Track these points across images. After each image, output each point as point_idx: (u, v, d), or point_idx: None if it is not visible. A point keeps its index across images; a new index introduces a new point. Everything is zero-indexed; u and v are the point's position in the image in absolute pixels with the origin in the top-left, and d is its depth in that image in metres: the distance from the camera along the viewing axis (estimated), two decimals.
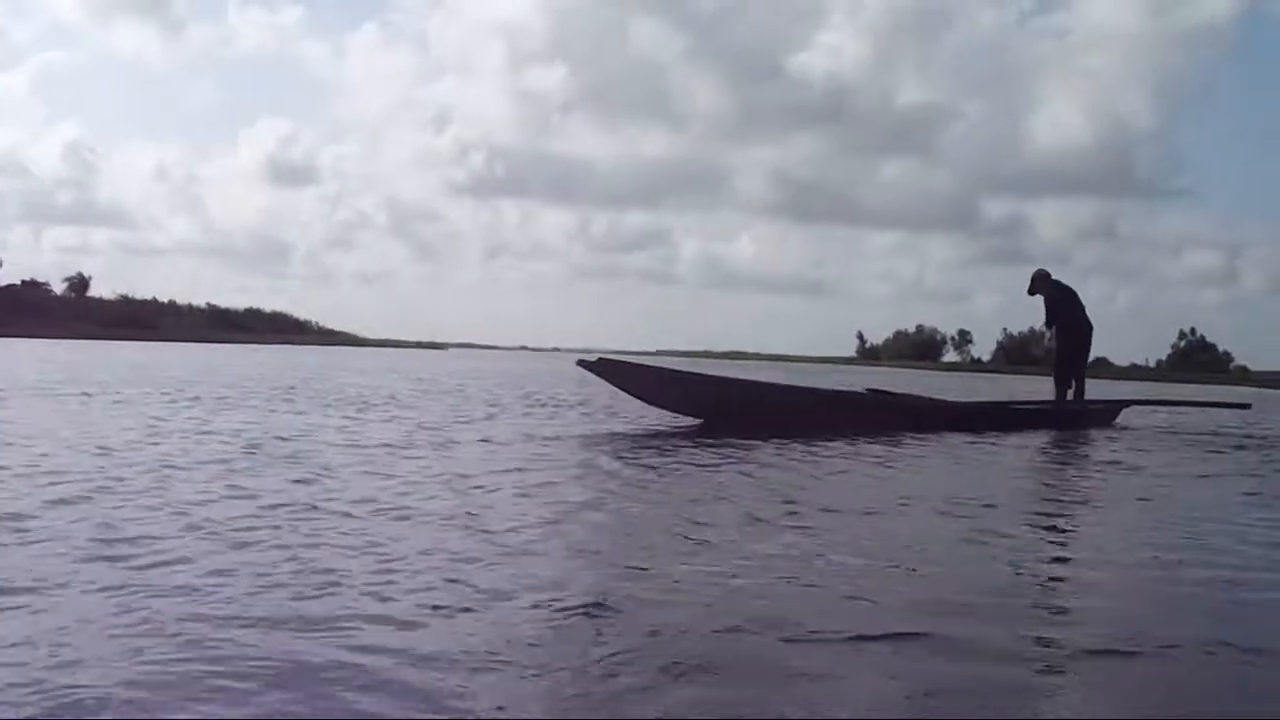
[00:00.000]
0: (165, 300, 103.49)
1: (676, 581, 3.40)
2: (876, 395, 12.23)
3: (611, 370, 10.95)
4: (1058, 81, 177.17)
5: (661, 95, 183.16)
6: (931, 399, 13.13)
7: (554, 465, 6.57)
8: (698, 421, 10.58)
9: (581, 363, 11.01)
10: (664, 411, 11.09)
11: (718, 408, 10.72)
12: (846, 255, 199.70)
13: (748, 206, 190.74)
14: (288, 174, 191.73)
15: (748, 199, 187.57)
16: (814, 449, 8.25)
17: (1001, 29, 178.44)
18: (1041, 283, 13.44)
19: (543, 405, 13.23)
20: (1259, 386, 53.50)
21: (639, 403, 11.41)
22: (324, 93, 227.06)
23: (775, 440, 8.61)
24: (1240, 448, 10.48)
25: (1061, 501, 5.84)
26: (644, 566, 3.65)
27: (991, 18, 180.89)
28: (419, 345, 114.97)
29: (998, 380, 45.40)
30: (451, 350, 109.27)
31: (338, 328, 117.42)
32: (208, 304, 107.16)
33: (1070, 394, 13.45)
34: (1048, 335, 13.56)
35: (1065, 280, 13.58)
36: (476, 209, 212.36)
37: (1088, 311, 13.67)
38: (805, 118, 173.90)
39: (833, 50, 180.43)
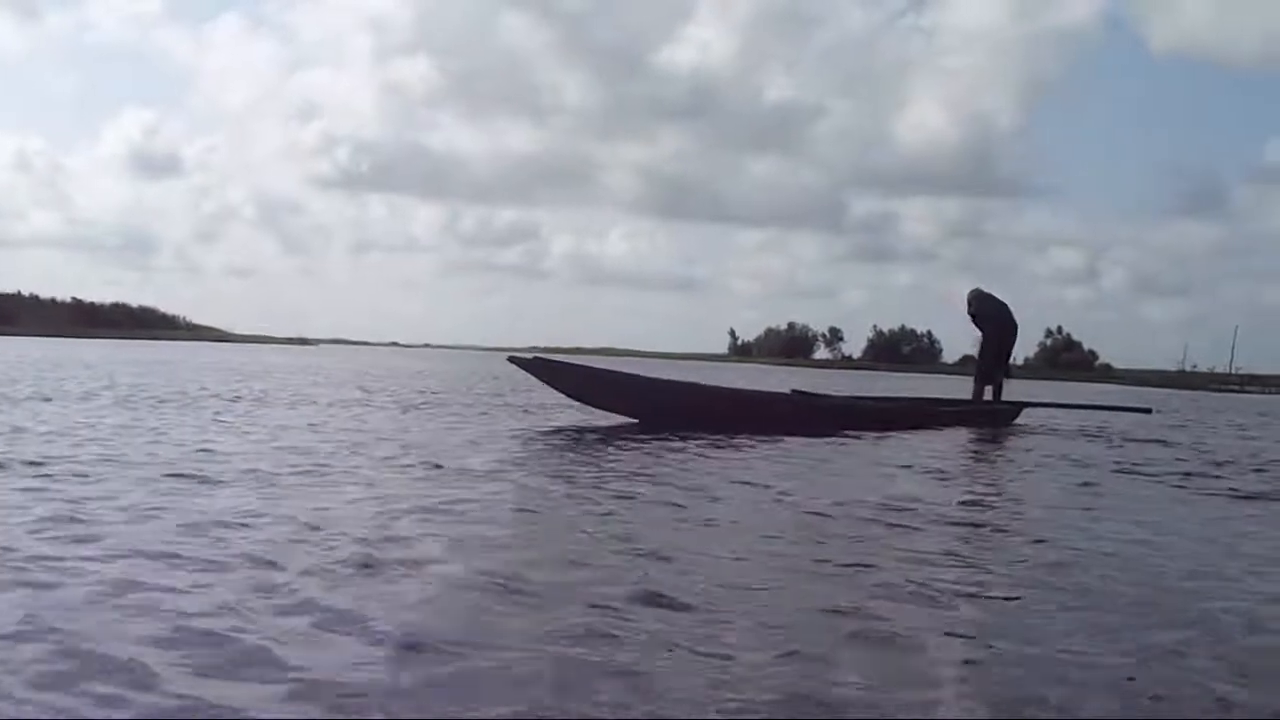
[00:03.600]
0: (28, 294, 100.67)
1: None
2: (804, 396, 12.47)
3: (545, 369, 10.84)
4: (925, 80, 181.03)
5: (529, 90, 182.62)
6: (857, 399, 13.56)
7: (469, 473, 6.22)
8: (633, 421, 10.59)
9: (513, 359, 10.85)
10: (596, 410, 11.06)
11: (653, 409, 10.73)
12: (716, 252, 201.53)
13: (618, 202, 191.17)
14: (153, 166, 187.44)
15: (617, 195, 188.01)
16: (750, 450, 8.45)
17: (870, 28, 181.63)
18: (978, 302, 14.20)
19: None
20: (1123, 384, 55.21)
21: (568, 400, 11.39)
22: (188, 83, 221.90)
23: (713, 441, 8.84)
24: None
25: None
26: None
27: (860, 16, 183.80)
28: (288, 341, 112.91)
29: (888, 379, 45.94)
30: (322, 346, 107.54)
31: (206, 323, 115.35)
32: (73, 298, 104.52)
33: (990, 393, 14.17)
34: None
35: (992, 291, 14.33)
36: (345, 203, 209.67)
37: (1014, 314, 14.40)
38: (673, 114, 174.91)
39: (700, 46, 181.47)
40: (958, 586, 3.54)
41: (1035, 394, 16.85)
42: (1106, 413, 16.17)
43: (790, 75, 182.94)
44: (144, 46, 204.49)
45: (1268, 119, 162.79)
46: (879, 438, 10.31)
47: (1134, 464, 8.40)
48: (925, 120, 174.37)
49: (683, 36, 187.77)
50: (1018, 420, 14.06)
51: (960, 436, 11.26)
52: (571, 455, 7.69)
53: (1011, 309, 14.35)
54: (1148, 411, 15.95)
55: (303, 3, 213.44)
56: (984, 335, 14.24)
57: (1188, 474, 7.74)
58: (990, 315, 14.12)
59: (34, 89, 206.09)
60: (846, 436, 10.19)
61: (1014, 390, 14.86)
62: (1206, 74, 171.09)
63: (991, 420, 13.57)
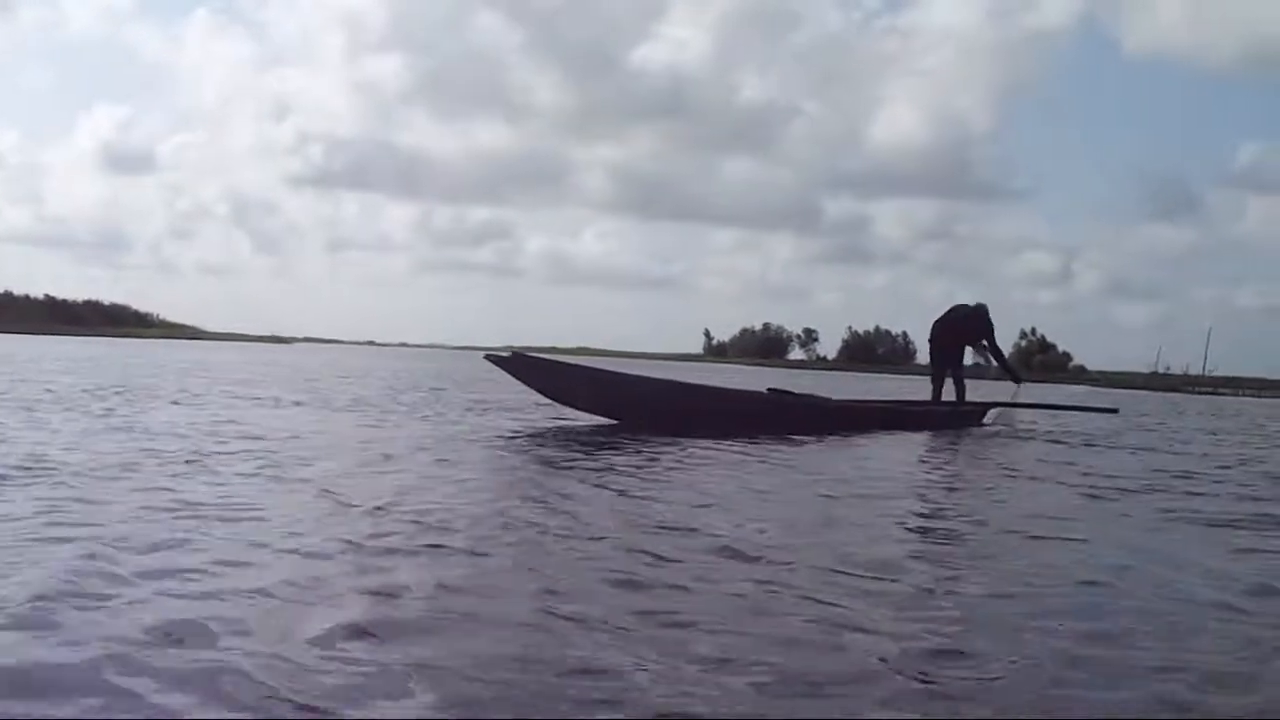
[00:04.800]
0: (1, 291, 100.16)
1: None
2: (783, 395, 12.38)
3: (523, 366, 10.52)
4: (899, 82, 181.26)
5: (503, 89, 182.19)
6: (834, 400, 13.50)
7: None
8: (614, 422, 10.43)
9: (490, 357, 10.61)
10: (571, 410, 10.91)
11: (634, 408, 10.51)
12: (691, 252, 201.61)
13: (592, 201, 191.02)
14: (126, 162, 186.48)
15: (591, 194, 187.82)
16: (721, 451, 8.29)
17: (845, 28, 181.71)
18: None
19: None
20: (1097, 386, 55.34)
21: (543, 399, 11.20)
22: (161, 80, 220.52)
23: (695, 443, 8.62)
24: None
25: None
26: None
27: (835, 17, 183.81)
28: (263, 339, 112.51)
29: (864, 379, 45.65)
30: (296, 345, 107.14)
31: (180, 321, 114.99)
32: (46, 295, 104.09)
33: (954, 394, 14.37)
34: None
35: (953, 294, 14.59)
36: (319, 201, 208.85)
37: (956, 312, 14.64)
38: (647, 113, 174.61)
39: (674, 45, 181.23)
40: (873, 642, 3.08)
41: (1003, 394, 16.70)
42: (1073, 413, 16.06)
43: (765, 75, 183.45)
44: (117, 42, 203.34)
45: (1240, 122, 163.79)
46: (851, 440, 10.29)
47: (1095, 477, 7.71)
48: (900, 122, 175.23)
49: (656, 35, 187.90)
50: (984, 421, 14.05)
51: (928, 440, 11.06)
52: (497, 464, 7.26)
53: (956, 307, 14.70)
54: (1114, 412, 15.92)
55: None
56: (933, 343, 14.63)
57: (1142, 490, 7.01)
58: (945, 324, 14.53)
59: (6, 84, 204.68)
60: (821, 438, 10.17)
61: (984, 390, 14.81)
62: (1180, 77, 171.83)
63: (959, 421, 13.53)
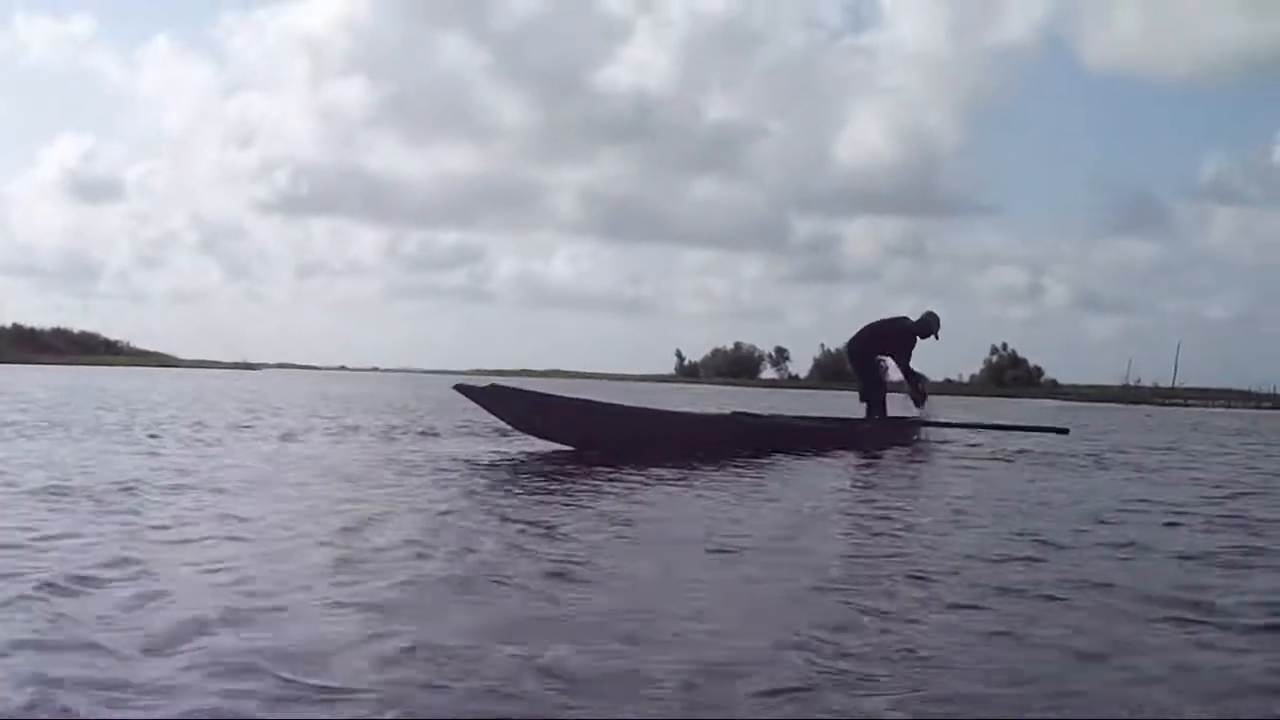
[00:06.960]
0: None
1: None
2: (743, 418, 12.40)
3: (490, 396, 10.34)
4: (865, 100, 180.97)
5: (468, 112, 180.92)
6: (795, 420, 13.48)
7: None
8: (569, 449, 10.29)
9: (460, 387, 10.48)
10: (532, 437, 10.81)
11: (591, 435, 10.35)
12: (661, 273, 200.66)
13: (561, 224, 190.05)
14: (92, 190, 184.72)
15: (561, 217, 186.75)
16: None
17: (809, 48, 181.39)
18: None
19: None
20: (1068, 400, 55.57)
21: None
22: (123, 107, 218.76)
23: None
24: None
25: None
26: None
27: (799, 37, 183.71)
28: (234, 366, 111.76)
29: (841, 398, 45.39)
30: (268, 371, 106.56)
31: (150, 348, 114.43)
32: (13, 324, 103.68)
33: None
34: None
35: (894, 306, 14.38)
36: (287, 227, 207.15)
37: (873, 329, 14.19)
38: (614, 135, 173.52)
39: (639, 67, 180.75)
40: None
41: (971, 409, 16.35)
42: (1019, 434, 14.78)
43: (730, 96, 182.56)
44: (78, 69, 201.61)
45: (1203, 134, 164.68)
46: (790, 462, 10.29)
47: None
48: (866, 140, 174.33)
49: (621, 57, 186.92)
50: (917, 438, 14.03)
51: (855, 462, 10.86)
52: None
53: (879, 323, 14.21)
54: (1064, 432, 14.80)
55: (236, 25, 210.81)
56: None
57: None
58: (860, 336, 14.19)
59: None
60: (776, 458, 10.26)
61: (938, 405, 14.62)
62: (1142, 90, 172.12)
63: (893, 439, 13.42)
